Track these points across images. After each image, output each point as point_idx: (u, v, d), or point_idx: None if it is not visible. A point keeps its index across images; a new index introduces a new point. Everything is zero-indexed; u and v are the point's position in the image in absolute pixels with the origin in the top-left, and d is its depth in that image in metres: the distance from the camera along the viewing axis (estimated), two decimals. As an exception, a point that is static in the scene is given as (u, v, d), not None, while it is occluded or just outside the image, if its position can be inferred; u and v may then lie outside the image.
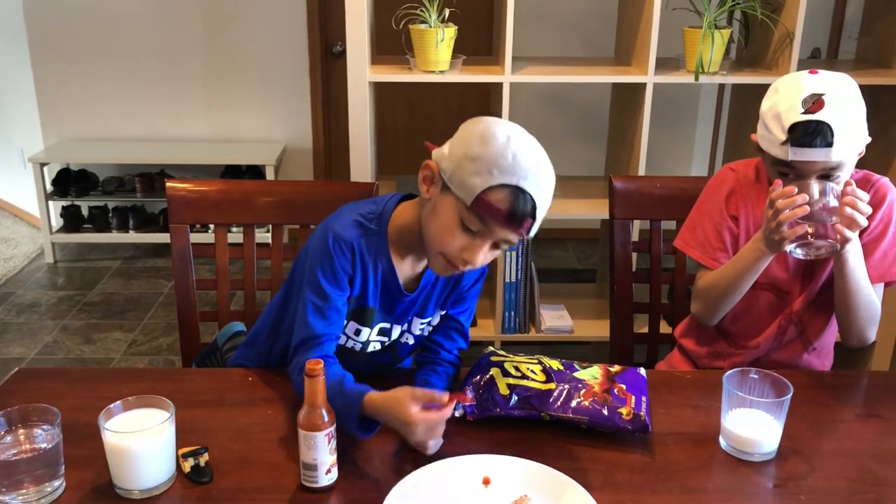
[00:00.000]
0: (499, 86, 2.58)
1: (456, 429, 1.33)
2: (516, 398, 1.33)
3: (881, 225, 1.55)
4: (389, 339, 1.48)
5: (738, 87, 3.00)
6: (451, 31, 2.47)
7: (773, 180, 1.50)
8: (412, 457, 1.25)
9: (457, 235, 1.27)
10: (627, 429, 1.29)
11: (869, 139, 1.46)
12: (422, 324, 1.49)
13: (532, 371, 1.37)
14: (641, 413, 1.29)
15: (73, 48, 4.25)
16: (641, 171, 2.63)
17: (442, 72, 2.53)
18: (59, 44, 4.24)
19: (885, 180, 1.58)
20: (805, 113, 1.39)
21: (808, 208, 1.39)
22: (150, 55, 4.28)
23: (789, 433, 1.29)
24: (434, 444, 1.25)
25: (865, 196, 1.41)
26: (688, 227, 1.69)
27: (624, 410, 1.30)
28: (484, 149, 1.24)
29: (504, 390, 1.34)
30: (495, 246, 1.29)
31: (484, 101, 3.98)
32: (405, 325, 1.48)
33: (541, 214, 1.27)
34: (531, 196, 1.23)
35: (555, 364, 1.40)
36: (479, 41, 4.02)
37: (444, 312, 1.51)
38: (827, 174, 1.44)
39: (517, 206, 1.22)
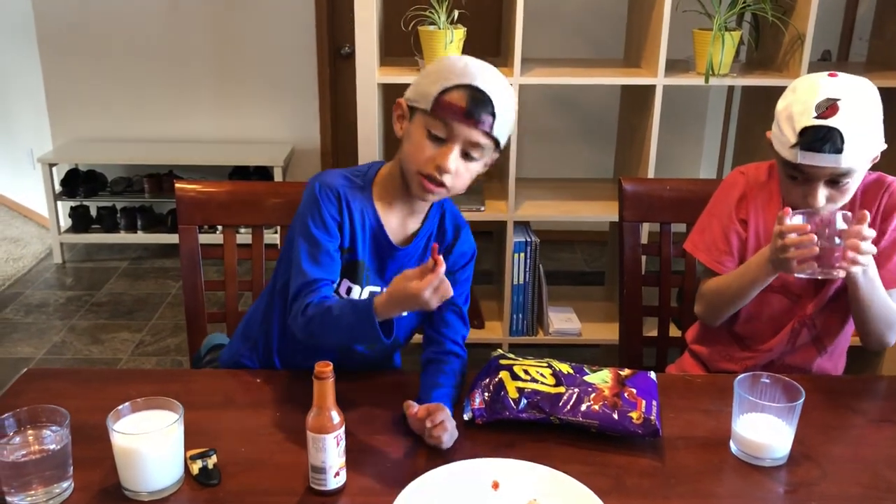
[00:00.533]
0: (507, 87, 2.57)
1: (465, 432, 1.32)
2: (526, 402, 1.32)
3: None
4: None
5: (748, 89, 2.99)
6: (459, 33, 2.47)
7: (784, 183, 1.49)
8: (422, 460, 1.24)
9: (426, 147, 1.35)
10: (638, 433, 1.28)
11: (885, 146, 1.45)
12: None
13: (542, 374, 1.37)
14: (652, 417, 1.28)
15: (82, 49, 4.27)
16: (650, 174, 2.62)
17: (451, 73, 2.52)
18: (69, 45, 4.25)
19: None
20: (818, 117, 1.38)
21: (816, 249, 1.37)
22: (160, 56, 4.28)
23: (801, 438, 1.28)
24: (448, 439, 1.26)
25: (871, 233, 1.38)
26: (697, 229, 1.68)
27: (634, 414, 1.29)
28: (439, 64, 1.37)
29: (513, 394, 1.33)
30: (466, 156, 1.35)
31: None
32: None
33: (501, 114, 1.33)
34: (487, 94, 1.31)
35: (565, 367, 1.39)
36: (486, 42, 4.01)
37: None
38: (836, 179, 1.43)
39: (474, 102, 1.31)
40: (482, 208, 2.68)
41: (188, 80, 4.33)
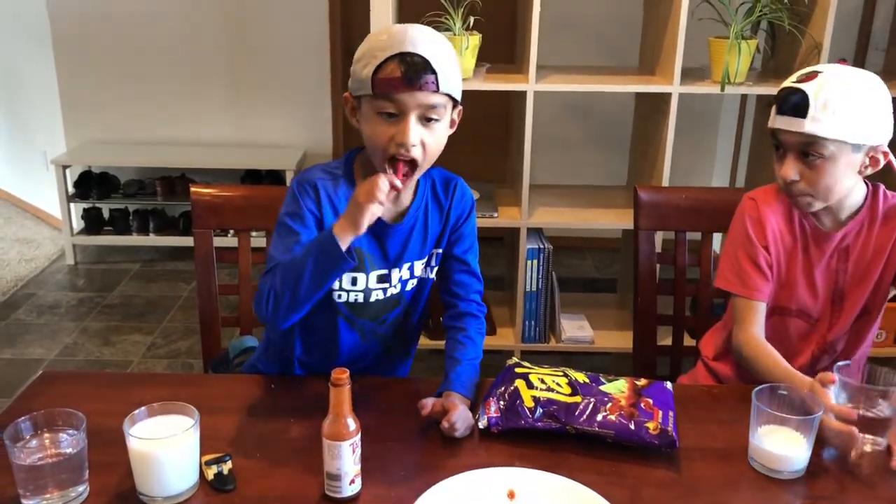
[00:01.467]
0: (521, 94, 2.57)
1: (480, 441, 1.32)
2: (541, 411, 1.31)
3: None
4: (390, 284, 1.48)
5: (762, 98, 2.98)
6: (475, 39, 2.47)
7: (775, 160, 1.51)
8: (437, 468, 1.23)
9: (382, 128, 1.33)
10: (654, 444, 1.27)
11: (881, 144, 1.44)
12: (422, 264, 1.50)
13: (557, 383, 1.36)
14: (668, 428, 1.28)
15: (96, 53, 4.29)
16: (665, 182, 2.61)
17: (465, 79, 2.52)
18: (83, 48, 4.28)
19: None
20: (795, 82, 1.42)
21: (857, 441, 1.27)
22: (173, 60, 4.30)
23: (819, 450, 1.27)
24: (462, 427, 1.30)
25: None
26: (726, 264, 1.62)
27: (651, 425, 1.28)
28: (365, 45, 1.35)
29: (529, 402, 1.32)
30: (424, 120, 1.32)
31: (504, 107, 3.97)
32: (402, 269, 1.48)
33: (442, 68, 1.30)
34: (419, 55, 1.28)
35: (580, 377, 1.38)
36: (500, 49, 4.01)
37: (440, 251, 1.52)
38: (805, 151, 1.43)
39: (409, 67, 1.28)
40: (495, 214, 2.68)
41: (201, 84, 4.35)
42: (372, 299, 1.49)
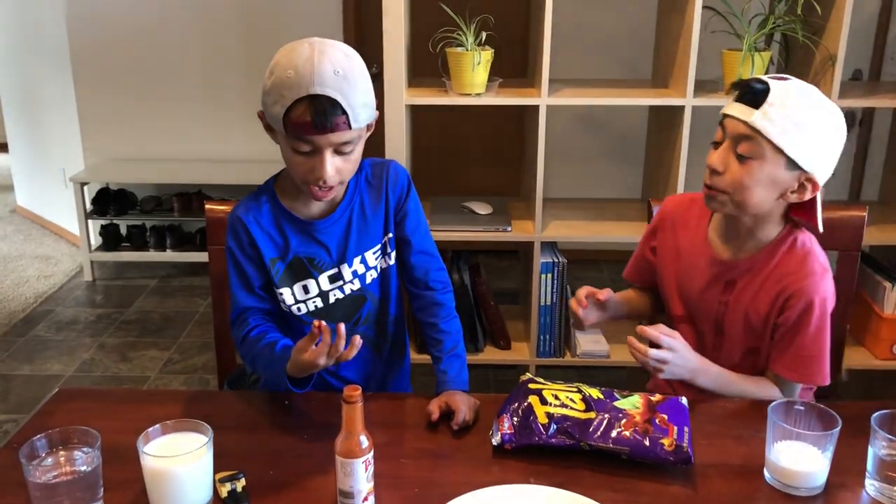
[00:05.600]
0: (534, 108, 2.57)
1: (494, 458, 1.31)
2: (555, 427, 1.31)
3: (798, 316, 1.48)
4: (344, 281, 1.51)
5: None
6: (487, 55, 2.48)
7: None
8: (450, 486, 1.23)
9: (298, 163, 1.36)
10: (669, 460, 1.26)
11: (814, 172, 1.39)
12: (374, 253, 1.52)
13: (571, 399, 1.35)
14: (684, 444, 1.26)
15: (114, 72, 4.34)
16: (679, 195, 2.60)
17: (478, 94, 2.53)
18: (101, 67, 4.33)
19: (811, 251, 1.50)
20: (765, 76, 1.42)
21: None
22: (190, 78, 4.35)
23: (837, 466, 1.25)
24: (470, 415, 1.39)
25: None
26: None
27: (666, 441, 1.27)
28: (270, 79, 1.33)
29: (543, 419, 1.32)
30: (338, 152, 1.35)
31: (517, 121, 3.98)
32: (352, 263, 1.50)
33: (352, 105, 1.30)
34: (327, 97, 1.28)
35: (594, 392, 1.38)
36: (513, 63, 4.02)
37: (391, 235, 1.53)
38: (741, 145, 1.39)
39: (318, 113, 1.28)
40: (508, 228, 2.68)
41: (217, 101, 4.39)
42: (332, 301, 1.52)
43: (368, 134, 1.43)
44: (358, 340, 1.29)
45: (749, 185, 1.40)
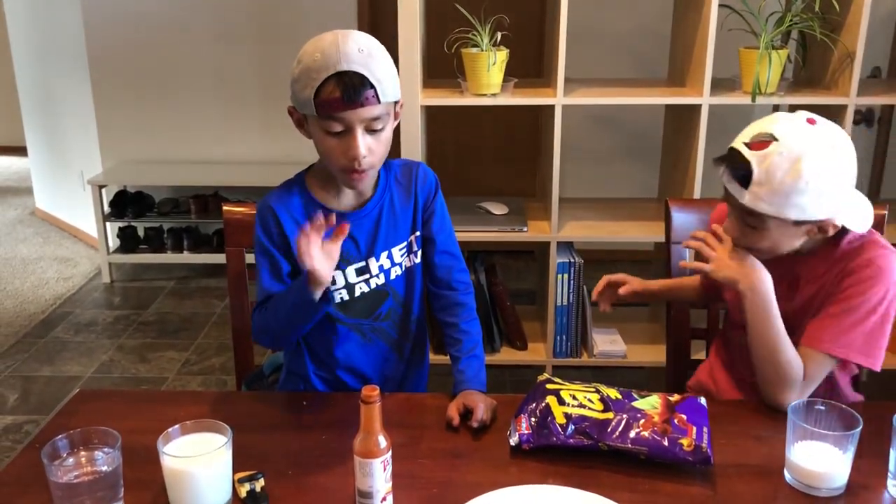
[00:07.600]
0: (550, 108, 2.57)
1: (512, 458, 1.31)
2: (573, 427, 1.30)
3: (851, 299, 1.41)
4: (371, 275, 1.52)
5: (794, 108, 2.93)
6: (502, 55, 2.48)
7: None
8: (468, 486, 1.23)
9: (331, 145, 1.39)
10: (688, 461, 1.25)
11: (826, 217, 1.36)
12: (401, 250, 1.53)
13: (589, 399, 1.35)
14: (703, 444, 1.26)
15: (131, 74, 4.37)
16: (696, 194, 2.59)
17: (494, 95, 2.52)
18: (119, 70, 4.36)
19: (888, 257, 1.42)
20: (747, 143, 1.36)
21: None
22: (206, 80, 4.37)
23: (858, 467, 1.24)
24: (488, 415, 1.39)
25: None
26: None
27: (685, 441, 1.26)
28: (301, 64, 1.37)
29: (560, 419, 1.31)
30: (369, 130, 1.37)
31: (533, 121, 3.98)
32: (379, 257, 1.51)
33: (380, 79, 1.34)
34: (354, 72, 1.32)
35: (612, 393, 1.37)
36: (528, 63, 4.02)
37: (419, 233, 1.55)
38: (745, 219, 1.40)
39: (347, 87, 1.31)
40: (525, 229, 2.67)
41: (234, 103, 4.41)
42: (357, 294, 1.52)
43: (396, 122, 1.46)
44: (346, 228, 1.33)
45: (769, 246, 1.42)
